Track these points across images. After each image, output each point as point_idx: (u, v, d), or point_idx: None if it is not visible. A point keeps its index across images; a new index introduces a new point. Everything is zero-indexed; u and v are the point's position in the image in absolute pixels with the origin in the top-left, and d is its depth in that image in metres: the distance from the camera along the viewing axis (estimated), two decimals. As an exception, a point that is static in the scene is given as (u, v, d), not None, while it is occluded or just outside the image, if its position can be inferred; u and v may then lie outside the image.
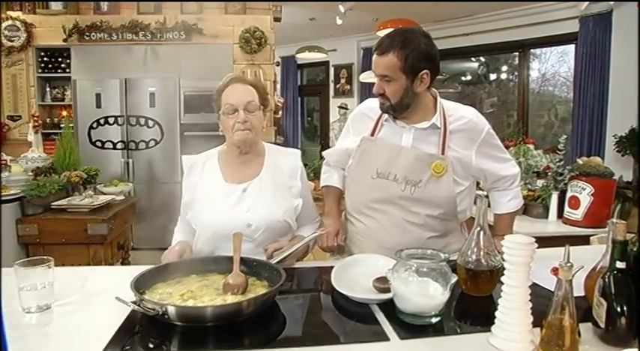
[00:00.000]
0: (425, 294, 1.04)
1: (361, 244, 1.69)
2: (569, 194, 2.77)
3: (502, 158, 1.71)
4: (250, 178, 1.64)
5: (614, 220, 1.03)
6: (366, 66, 7.80)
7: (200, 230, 1.61)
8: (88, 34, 4.55)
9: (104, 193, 3.56)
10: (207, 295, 1.21)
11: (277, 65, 9.18)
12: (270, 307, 1.19)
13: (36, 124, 4.42)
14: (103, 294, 1.30)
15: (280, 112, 5.87)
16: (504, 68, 7.38)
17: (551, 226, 2.79)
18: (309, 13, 6.76)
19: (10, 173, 3.29)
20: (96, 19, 4.56)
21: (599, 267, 1.12)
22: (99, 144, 4.72)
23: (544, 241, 2.58)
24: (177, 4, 4.80)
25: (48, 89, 4.80)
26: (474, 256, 1.21)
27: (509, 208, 1.75)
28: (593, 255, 1.22)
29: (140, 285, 1.22)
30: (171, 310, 1.06)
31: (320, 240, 1.70)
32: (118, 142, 4.75)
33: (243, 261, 1.37)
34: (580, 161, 2.86)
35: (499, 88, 7.52)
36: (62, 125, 4.70)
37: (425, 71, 1.52)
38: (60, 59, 4.67)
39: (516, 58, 6.76)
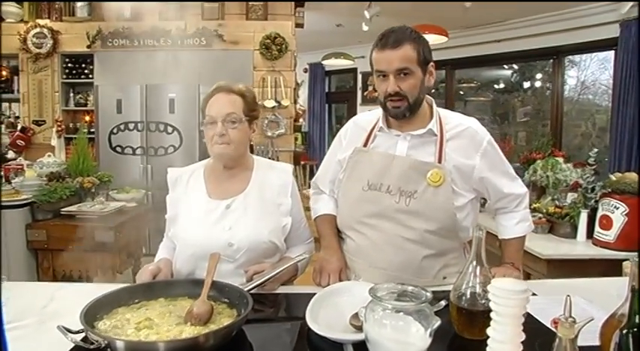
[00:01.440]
0: (402, 340, 0.88)
1: (352, 264, 1.55)
2: (600, 213, 2.53)
3: (506, 173, 1.55)
4: (235, 193, 1.53)
5: (636, 257, 0.85)
6: (394, 73, 7.61)
7: (180, 248, 1.52)
8: (110, 40, 4.59)
9: (116, 200, 3.53)
10: (166, 324, 1.09)
11: (305, 72, 9.15)
12: (236, 338, 1.08)
13: (59, 128, 4.50)
14: (62, 317, 1.19)
15: (301, 120, 5.77)
16: (539, 76, 7.06)
17: (580, 247, 2.55)
18: (336, 19, 6.65)
19: (23, 178, 3.30)
20: (118, 26, 4.59)
21: (619, 313, 0.94)
22: (119, 149, 4.74)
23: (571, 264, 2.42)
24: (199, 10, 4.77)
25: (72, 95, 4.86)
26: (468, 293, 1.04)
27: (517, 233, 1.58)
28: (619, 290, 1.04)
29: (99, 309, 1.12)
30: (118, 344, 0.95)
31: (316, 275, 1.54)
32: (138, 147, 4.76)
33: (215, 285, 1.25)
34: (613, 177, 2.62)
35: (534, 96, 7.20)
36: (84, 130, 4.74)
37: (432, 64, 1.45)
38: (84, 65, 4.73)
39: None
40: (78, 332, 1.02)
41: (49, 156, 3.52)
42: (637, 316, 0.77)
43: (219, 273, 1.39)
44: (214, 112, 1.48)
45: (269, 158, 4.85)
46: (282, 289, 1.47)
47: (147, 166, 4.77)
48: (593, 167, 2.64)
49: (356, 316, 1.07)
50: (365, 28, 6.30)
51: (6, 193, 3.19)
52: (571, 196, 2.85)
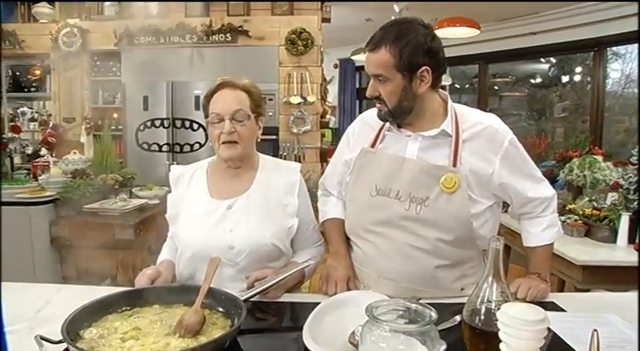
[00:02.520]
0: (401, 364, 0.78)
1: (360, 274, 1.45)
2: (643, 216, 2.33)
3: (531, 175, 1.40)
4: (238, 194, 1.45)
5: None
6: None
7: (180, 249, 1.46)
8: (137, 38, 4.61)
9: (139, 197, 3.54)
10: (154, 334, 1.03)
11: (335, 67, 9.04)
12: (230, 349, 1.01)
13: (88, 126, 4.56)
14: (54, 323, 1.13)
15: (328, 116, 5.67)
16: (579, 69, 6.71)
17: (620, 253, 2.36)
18: (365, 13, 6.51)
19: (49, 175, 3.34)
20: (145, 24, 4.60)
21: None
22: (145, 146, 4.76)
23: (609, 271, 2.23)
24: (225, 6, 4.74)
25: (100, 92, 4.92)
26: (483, 311, 0.92)
27: (545, 240, 1.42)
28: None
29: (89, 315, 1.08)
30: None
31: (322, 283, 1.44)
32: (164, 144, 4.77)
33: (212, 293, 1.18)
34: (658, 177, 2.41)
35: (573, 90, 6.86)
36: (112, 127, 4.80)
37: (424, 68, 1.28)
38: (111, 63, 4.77)
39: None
40: (59, 342, 0.96)
41: (75, 153, 3.56)
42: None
43: (219, 277, 1.32)
44: (220, 109, 1.41)
45: (295, 155, 4.85)
46: (287, 297, 1.38)
47: (173, 162, 4.78)
48: (636, 166, 2.44)
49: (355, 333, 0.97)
50: (394, 22, 6.15)
51: (32, 190, 3.24)
52: (611, 197, 2.65)
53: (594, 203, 2.70)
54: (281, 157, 4.70)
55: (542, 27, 6.04)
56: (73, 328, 1.01)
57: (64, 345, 0.95)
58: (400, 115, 1.34)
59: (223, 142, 1.41)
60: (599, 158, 2.82)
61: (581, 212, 2.64)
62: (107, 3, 4.66)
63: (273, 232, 1.42)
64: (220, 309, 1.16)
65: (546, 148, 4.00)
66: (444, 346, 0.78)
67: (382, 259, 1.37)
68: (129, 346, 0.98)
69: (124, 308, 1.15)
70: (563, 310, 1.24)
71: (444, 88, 8.10)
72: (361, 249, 1.43)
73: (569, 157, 2.98)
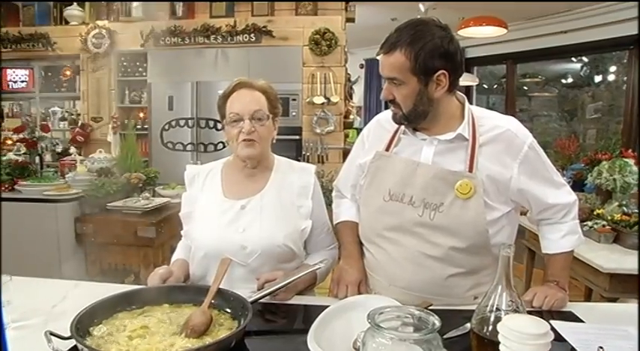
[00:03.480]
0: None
1: (371, 280, 1.42)
2: (676, 223, 2.22)
3: (551, 180, 1.34)
4: (251, 194, 1.46)
5: None
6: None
7: (193, 248, 1.47)
8: (163, 38, 4.68)
9: (162, 196, 3.59)
10: (161, 334, 1.04)
11: (361, 67, 8.99)
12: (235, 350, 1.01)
13: (114, 125, 4.66)
14: (68, 318, 1.16)
15: (352, 116, 5.63)
16: (613, 69, 6.49)
17: (650, 261, 2.26)
18: (390, 13, 6.45)
19: (75, 173, 3.42)
20: (170, 24, 4.67)
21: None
22: (170, 145, 4.83)
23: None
24: (249, 7, 4.77)
25: (127, 92, 5.02)
26: (491, 320, 0.89)
27: (564, 247, 1.36)
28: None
29: (100, 312, 1.10)
30: None
31: (334, 286, 1.43)
32: (188, 144, 4.84)
33: (222, 294, 1.18)
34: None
35: (608, 91, 6.63)
36: (138, 126, 4.89)
37: (441, 72, 1.24)
38: (137, 63, 4.86)
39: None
40: (68, 338, 0.97)
41: (100, 152, 3.63)
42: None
43: (231, 278, 1.33)
44: (239, 109, 1.42)
45: (318, 155, 4.84)
46: (297, 300, 1.37)
47: (197, 162, 4.83)
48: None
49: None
50: (420, 21, 6.06)
51: (58, 187, 3.32)
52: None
53: (624, 208, 2.59)
54: (304, 158, 4.70)
55: (573, 25, 5.86)
56: (84, 324, 1.03)
57: (74, 341, 0.97)
58: (415, 120, 1.31)
59: (243, 140, 1.41)
60: (631, 161, 2.70)
61: (609, 217, 2.54)
62: (134, 5, 4.74)
63: (286, 234, 1.41)
64: (228, 310, 1.17)
65: (576, 150, 3.87)
66: (447, 356, 0.75)
67: (393, 267, 1.34)
68: (135, 345, 0.99)
69: (134, 307, 1.17)
70: (581, 320, 1.18)
71: (469, 88, 7.98)
72: (373, 255, 1.41)
73: (597, 160, 2.87)
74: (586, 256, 2.24)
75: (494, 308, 0.89)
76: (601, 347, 0.56)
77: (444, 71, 1.25)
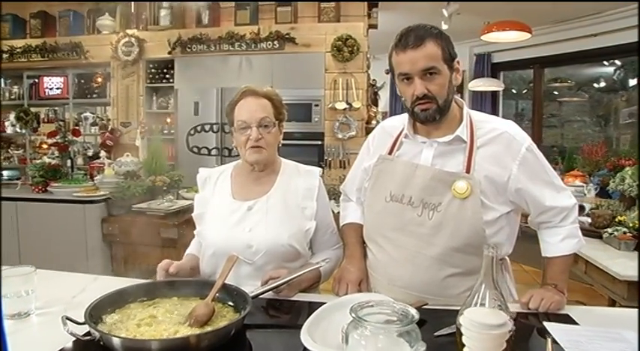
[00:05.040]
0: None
1: (372, 279, 1.46)
2: (699, 230, 2.16)
3: (550, 183, 1.35)
4: (258, 195, 1.53)
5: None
6: (479, 73, 7.21)
7: (204, 247, 1.54)
8: (189, 46, 4.82)
9: (185, 198, 3.70)
10: (167, 323, 1.12)
11: (387, 73, 8.99)
12: (235, 341, 1.09)
13: (142, 130, 4.82)
14: (85, 307, 1.25)
15: (374, 122, 5.64)
16: (648, 72, 6.29)
17: (672, 269, 2.19)
18: (413, 19, 6.40)
19: (103, 175, 3.57)
20: (197, 32, 4.81)
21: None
22: (195, 150, 4.96)
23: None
24: (273, 14, 4.86)
25: (154, 98, 5.18)
26: (475, 317, 0.90)
27: (562, 250, 1.37)
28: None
29: (113, 302, 1.19)
30: (116, 341, 0.99)
31: (335, 285, 1.47)
32: (213, 148, 4.95)
33: (226, 288, 1.25)
34: None
35: (645, 95, 6.43)
36: (165, 131, 5.05)
37: (457, 60, 1.33)
38: (165, 70, 5.02)
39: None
40: (83, 323, 1.05)
41: (127, 156, 3.78)
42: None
43: (238, 275, 1.40)
44: (246, 116, 1.49)
45: (340, 160, 4.87)
46: (300, 297, 1.42)
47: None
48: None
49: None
50: (444, 26, 6.01)
51: (87, 189, 3.48)
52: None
53: (646, 215, 2.53)
54: (326, 163, 4.75)
55: (603, 28, 5.71)
56: (97, 312, 1.12)
57: (87, 327, 1.05)
58: (445, 111, 1.34)
59: (251, 147, 1.47)
60: (655, 167, 2.64)
61: (631, 224, 2.48)
62: (162, 14, 4.90)
63: (291, 234, 1.46)
64: (231, 303, 1.24)
65: (604, 155, 3.78)
66: (424, 348, 0.78)
67: (393, 267, 1.37)
68: (142, 331, 1.07)
69: (145, 298, 1.25)
70: (576, 323, 1.18)
71: (496, 94, 7.82)
72: (374, 255, 1.45)
73: (621, 166, 2.80)
74: (604, 263, 2.20)
75: (479, 306, 0.90)
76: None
77: (458, 60, 1.34)
